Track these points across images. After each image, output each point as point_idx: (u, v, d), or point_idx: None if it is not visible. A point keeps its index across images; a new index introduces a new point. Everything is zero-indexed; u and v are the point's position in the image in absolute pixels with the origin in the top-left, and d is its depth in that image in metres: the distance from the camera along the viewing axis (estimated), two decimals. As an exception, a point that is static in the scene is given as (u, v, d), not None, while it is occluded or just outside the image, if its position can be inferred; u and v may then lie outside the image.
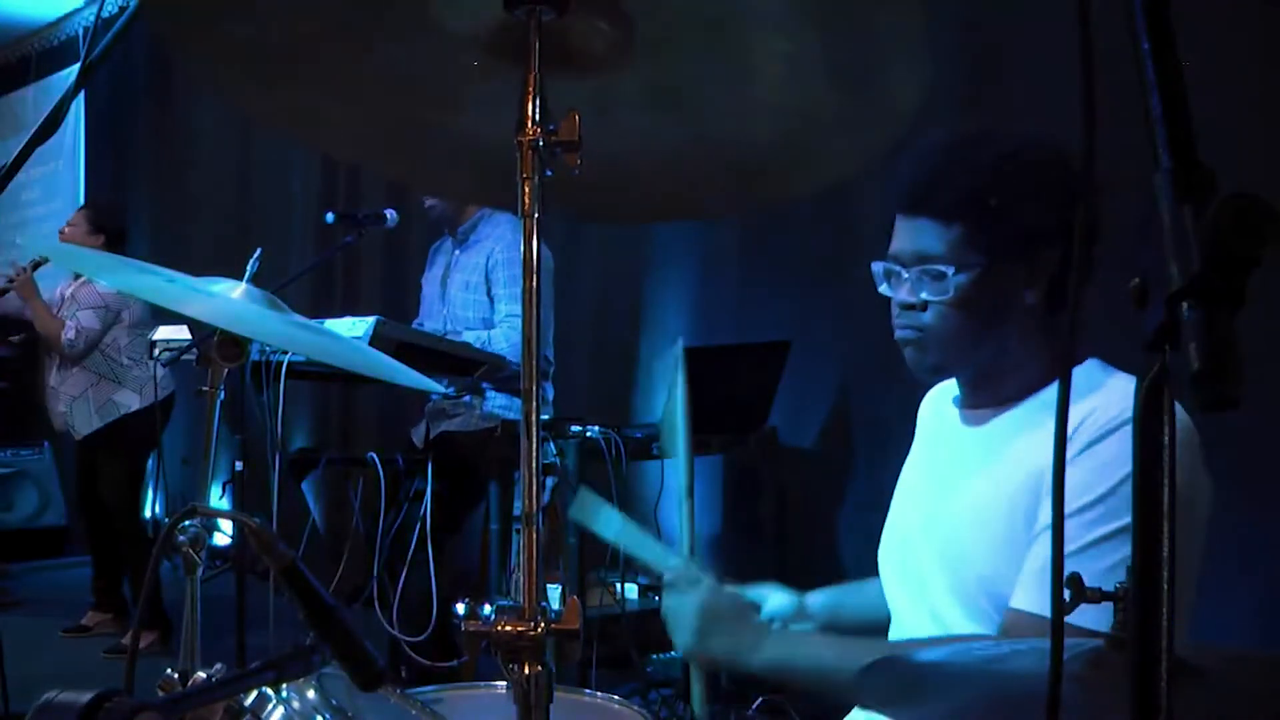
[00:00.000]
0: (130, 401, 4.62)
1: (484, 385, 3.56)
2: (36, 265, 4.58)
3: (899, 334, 1.45)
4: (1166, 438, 0.58)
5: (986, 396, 1.45)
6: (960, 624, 1.38)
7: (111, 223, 4.70)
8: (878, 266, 1.45)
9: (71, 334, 4.53)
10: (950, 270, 1.36)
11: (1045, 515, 1.31)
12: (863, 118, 1.04)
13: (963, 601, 1.38)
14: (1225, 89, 2.41)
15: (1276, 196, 0.57)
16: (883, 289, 1.46)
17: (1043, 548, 1.30)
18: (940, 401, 1.58)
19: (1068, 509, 1.25)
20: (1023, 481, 1.33)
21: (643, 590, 3.52)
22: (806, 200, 3.56)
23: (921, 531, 1.47)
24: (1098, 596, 1.01)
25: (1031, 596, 1.29)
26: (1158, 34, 0.60)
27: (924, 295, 1.39)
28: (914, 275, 1.40)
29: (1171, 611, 0.57)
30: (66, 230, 4.67)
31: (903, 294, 1.42)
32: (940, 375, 1.51)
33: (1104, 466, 1.26)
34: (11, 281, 4.62)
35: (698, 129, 1.08)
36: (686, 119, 1.07)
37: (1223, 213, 0.56)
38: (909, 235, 1.41)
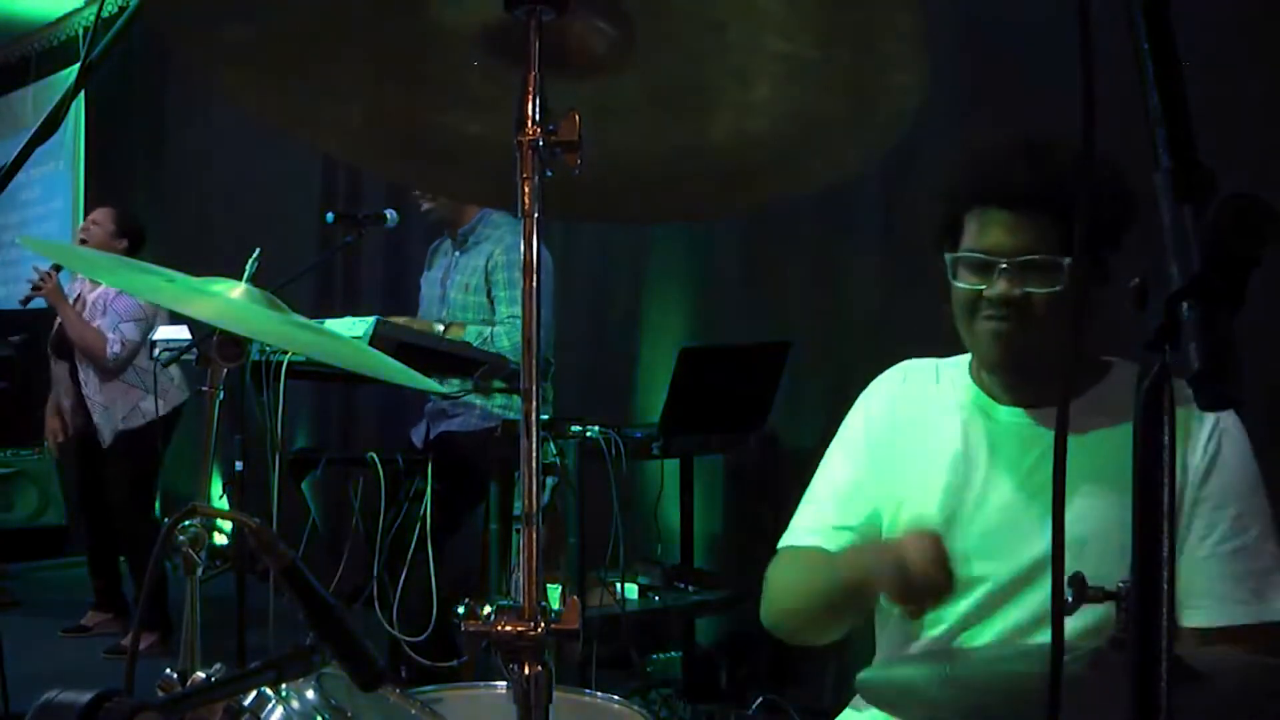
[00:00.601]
0: (151, 409, 4.59)
1: (490, 384, 3.56)
2: (59, 268, 4.46)
3: (998, 326, 1.43)
4: (1166, 438, 0.58)
5: (1048, 394, 1.46)
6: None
7: (135, 228, 4.67)
8: (952, 258, 1.45)
9: (117, 347, 4.47)
10: (1066, 261, 1.37)
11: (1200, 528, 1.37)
12: (862, 118, 1.04)
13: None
14: (1225, 89, 2.41)
15: (1276, 196, 0.57)
16: (961, 284, 1.45)
17: (1228, 563, 1.36)
18: (949, 384, 1.57)
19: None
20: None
21: (643, 590, 3.52)
22: (805, 199, 3.57)
23: (1015, 539, 1.45)
24: (1099, 596, 1.01)
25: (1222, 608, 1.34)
26: (1158, 34, 0.60)
27: (1029, 288, 1.40)
28: (1014, 268, 1.40)
29: (1172, 611, 0.57)
30: (91, 228, 4.61)
31: (1002, 286, 1.41)
32: (1022, 370, 1.49)
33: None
34: (38, 289, 4.50)
35: (697, 130, 1.08)
36: (686, 119, 1.07)
37: (1223, 213, 0.56)
38: (1010, 229, 1.41)
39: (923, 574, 1.31)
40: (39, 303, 4.68)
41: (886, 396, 1.62)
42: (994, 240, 1.42)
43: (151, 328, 4.53)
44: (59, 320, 4.62)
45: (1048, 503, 1.43)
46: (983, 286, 1.43)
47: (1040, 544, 1.43)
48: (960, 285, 1.46)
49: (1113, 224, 1.38)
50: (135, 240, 4.63)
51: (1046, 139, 1.45)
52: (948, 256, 1.46)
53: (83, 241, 4.61)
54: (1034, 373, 1.47)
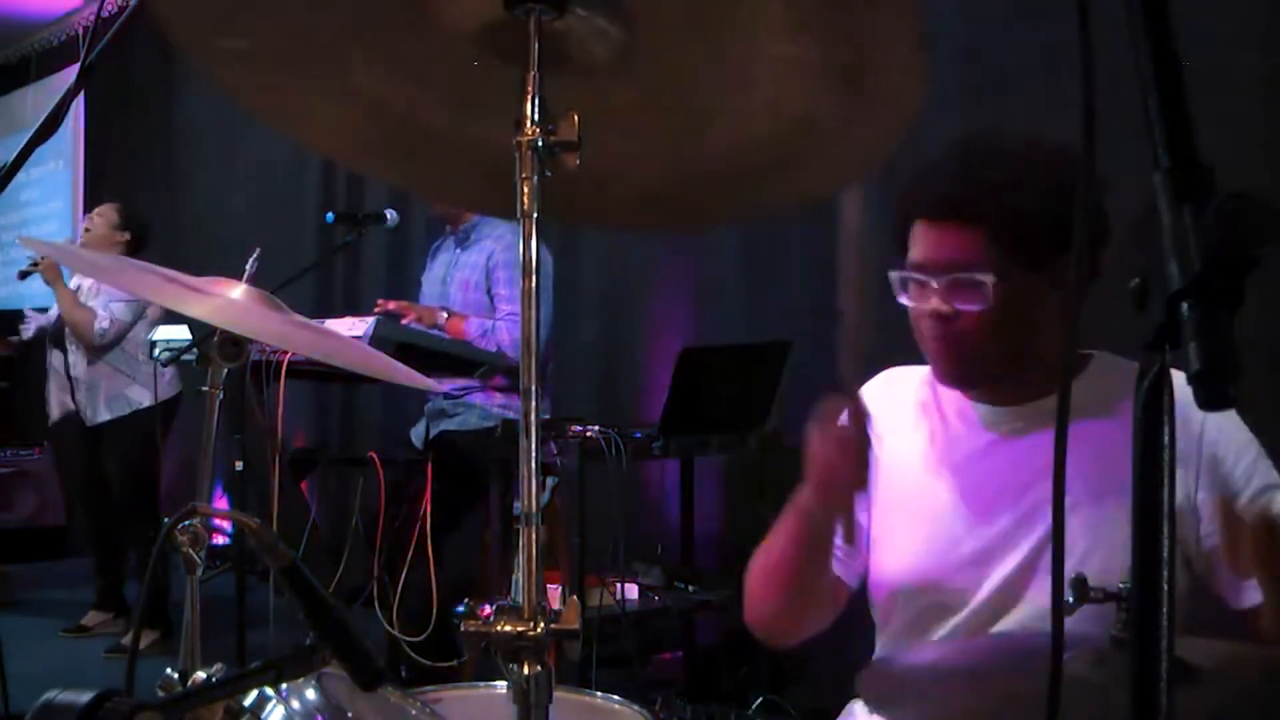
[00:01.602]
0: (142, 398, 4.60)
1: (490, 382, 3.56)
2: None
3: (932, 342, 1.43)
4: (1166, 438, 0.58)
5: (1008, 396, 1.46)
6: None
7: (138, 223, 4.69)
8: (895, 275, 1.43)
9: (105, 323, 4.49)
10: (990, 278, 1.35)
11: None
12: (861, 120, 1.04)
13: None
14: (1225, 88, 2.41)
15: (1276, 196, 0.57)
16: (903, 299, 1.44)
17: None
18: (931, 391, 1.56)
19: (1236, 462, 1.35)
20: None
21: (643, 590, 3.52)
22: (807, 205, 3.56)
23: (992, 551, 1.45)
24: (1101, 596, 1.01)
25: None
26: (1158, 34, 0.60)
27: (958, 304, 1.38)
28: (944, 284, 1.38)
29: (1172, 611, 0.57)
30: (95, 219, 4.64)
31: (933, 303, 1.40)
32: (969, 384, 1.48)
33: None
34: (35, 265, 4.54)
35: (696, 132, 1.07)
36: (685, 120, 1.07)
37: (1223, 213, 0.56)
38: (937, 243, 1.39)
39: (828, 459, 1.35)
40: (36, 294, 4.70)
41: (870, 402, 1.62)
42: (924, 255, 1.40)
43: (143, 313, 4.55)
44: (57, 311, 4.64)
45: (988, 498, 1.45)
46: (921, 304, 1.42)
47: (975, 543, 1.43)
48: (904, 303, 1.44)
49: (1057, 221, 1.33)
50: (138, 235, 4.65)
51: (979, 142, 1.42)
52: (891, 275, 1.44)
53: (86, 231, 4.65)
54: (984, 382, 1.47)
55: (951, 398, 1.53)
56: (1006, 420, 1.47)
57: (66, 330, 4.61)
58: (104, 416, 4.59)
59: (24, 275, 4.68)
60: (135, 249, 4.57)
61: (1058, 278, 1.37)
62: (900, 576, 1.51)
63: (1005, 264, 1.35)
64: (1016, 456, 1.45)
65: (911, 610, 1.50)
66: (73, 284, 4.63)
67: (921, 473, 1.52)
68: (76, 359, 4.60)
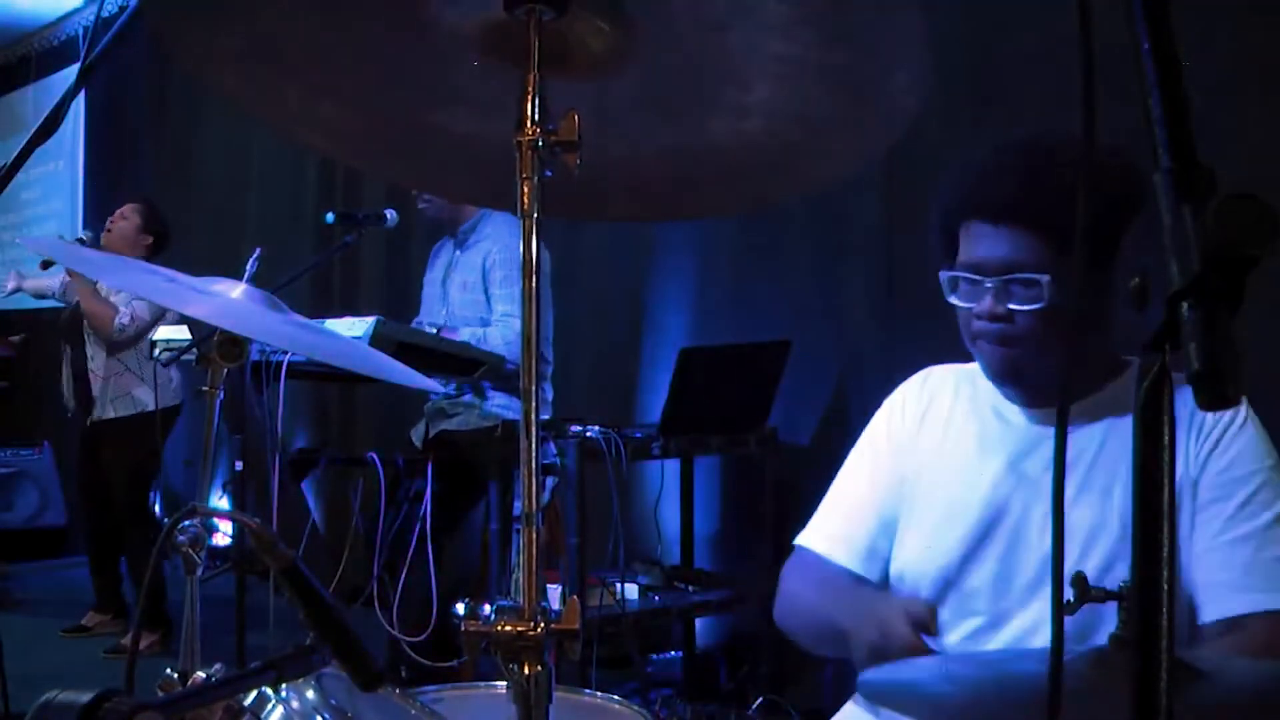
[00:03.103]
0: (148, 400, 4.59)
1: (484, 385, 3.56)
2: (83, 244, 4.41)
3: (987, 344, 1.44)
4: (1166, 438, 0.58)
5: (1050, 395, 1.46)
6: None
7: (162, 225, 4.67)
8: (945, 275, 1.44)
9: (126, 319, 4.48)
10: (1045, 279, 1.36)
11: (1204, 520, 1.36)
12: (861, 119, 1.04)
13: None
14: (1225, 88, 2.41)
15: (1276, 196, 0.57)
16: (954, 299, 1.44)
17: (1236, 551, 1.34)
18: (968, 390, 1.57)
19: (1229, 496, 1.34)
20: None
21: (643, 590, 3.52)
22: (805, 200, 3.57)
23: (1010, 539, 1.46)
24: (1101, 596, 1.01)
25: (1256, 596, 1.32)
26: (1158, 34, 0.60)
27: (1013, 305, 1.39)
28: (997, 284, 1.39)
29: (1172, 612, 0.57)
30: (120, 222, 4.61)
31: (986, 304, 1.41)
32: (1022, 382, 1.48)
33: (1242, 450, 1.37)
34: None
35: (696, 129, 1.08)
36: (685, 119, 1.07)
37: (1223, 213, 0.56)
38: (993, 243, 1.40)
39: (902, 646, 1.32)
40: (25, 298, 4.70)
41: (908, 401, 1.63)
42: (979, 255, 1.41)
43: (163, 315, 4.54)
44: (69, 305, 4.64)
45: (1026, 499, 1.45)
46: (973, 305, 1.43)
47: (1045, 546, 1.43)
48: (955, 303, 1.45)
49: (1112, 226, 1.35)
50: (160, 239, 4.64)
51: (1038, 145, 1.43)
52: (942, 275, 1.45)
53: (108, 232, 4.63)
54: (1036, 381, 1.47)
55: (989, 396, 1.54)
56: (1048, 419, 1.48)
57: (85, 324, 4.58)
58: (109, 414, 4.59)
59: (46, 265, 4.67)
60: (156, 252, 4.57)
61: (1108, 281, 1.38)
62: (935, 565, 1.52)
63: (1060, 265, 1.36)
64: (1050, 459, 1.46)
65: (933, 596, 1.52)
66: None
67: (964, 466, 1.53)
68: (95, 351, 4.59)
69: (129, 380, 4.59)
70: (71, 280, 4.55)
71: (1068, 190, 1.34)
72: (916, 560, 1.53)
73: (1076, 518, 1.41)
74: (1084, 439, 1.43)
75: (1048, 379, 1.45)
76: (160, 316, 4.54)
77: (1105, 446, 1.43)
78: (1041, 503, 1.45)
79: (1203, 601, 1.35)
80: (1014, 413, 1.51)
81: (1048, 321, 1.38)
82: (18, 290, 4.93)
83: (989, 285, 1.40)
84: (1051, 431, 1.47)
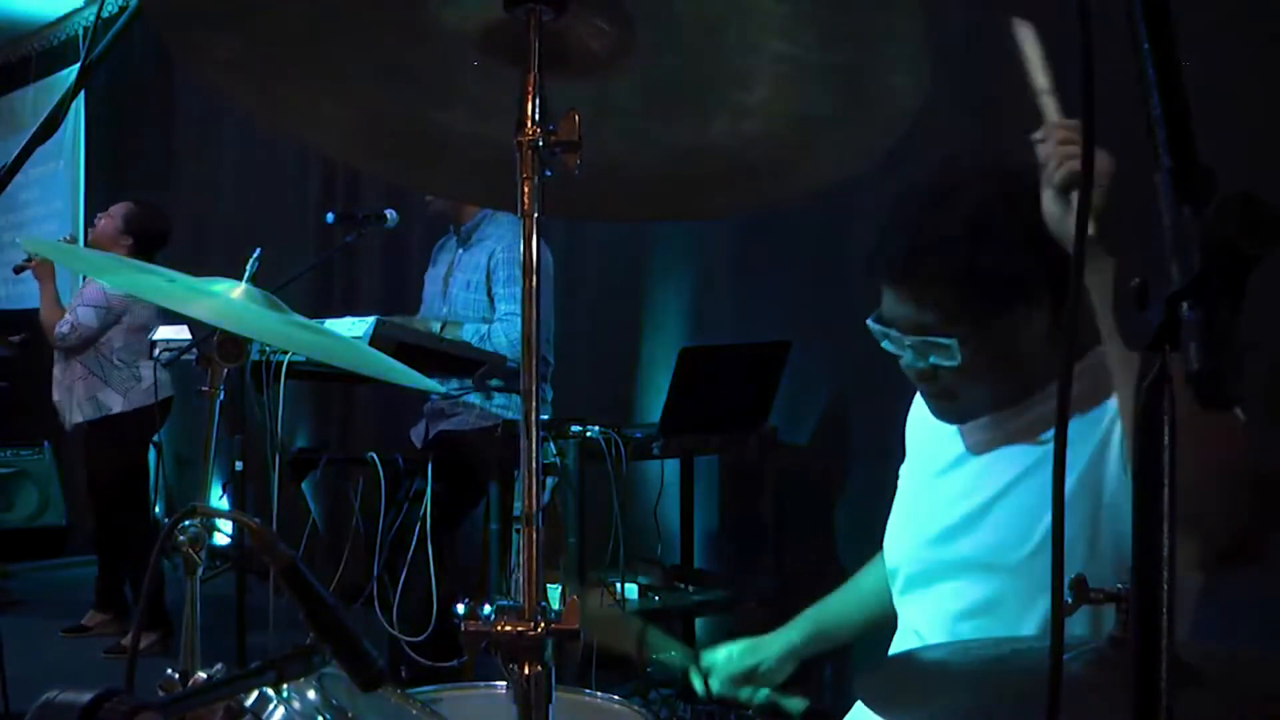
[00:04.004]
0: (113, 403, 4.62)
1: (489, 384, 3.56)
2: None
3: (920, 393, 1.46)
4: (1167, 438, 0.58)
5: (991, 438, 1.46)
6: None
7: (146, 228, 4.65)
8: (875, 327, 1.43)
9: (65, 328, 4.54)
10: (953, 342, 1.35)
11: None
12: (861, 119, 1.04)
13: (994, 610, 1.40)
14: (1225, 89, 2.41)
15: (1276, 196, 0.57)
16: (886, 345, 1.44)
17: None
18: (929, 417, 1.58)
19: None
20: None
21: (643, 590, 3.52)
22: (805, 201, 3.56)
23: (944, 546, 1.47)
24: (1100, 597, 1.01)
25: None
26: (1158, 34, 0.60)
27: (933, 361, 1.38)
28: (916, 343, 1.38)
29: (1172, 612, 0.57)
30: (104, 221, 4.64)
31: (908, 358, 1.41)
32: (963, 421, 1.48)
33: None
34: (30, 260, 4.60)
35: (696, 129, 1.08)
36: (685, 119, 1.07)
37: (1223, 213, 0.56)
38: (899, 305, 1.39)
39: None
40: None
41: (917, 404, 1.65)
42: (890, 312, 1.41)
43: (117, 320, 4.56)
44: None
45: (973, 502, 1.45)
46: (898, 353, 1.43)
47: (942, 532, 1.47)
48: (884, 347, 1.45)
49: (1009, 272, 1.32)
50: (143, 241, 4.60)
51: (920, 195, 1.41)
52: (869, 323, 1.45)
53: (92, 228, 4.68)
54: (972, 417, 1.46)
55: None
56: (974, 434, 1.48)
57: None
58: (78, 418, 4.65)
59: (19, 270, 4.75)
60: (138, 253, 4.55)
61: (1034, 305, 1.35)
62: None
63: (966, 318, 1.34)
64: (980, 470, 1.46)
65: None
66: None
67: (920, 483, 1.57)
68: (58, 356, 4.69)
69: (93, 384, 4.63)
70: (40, 285, 4.64)
71: (954, 242, 1.32)
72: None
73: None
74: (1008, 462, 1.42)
75: (985, 411, 1.44)
76: (112, 322, 4.57)
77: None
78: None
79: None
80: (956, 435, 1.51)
81: (970, 373, 1.37)
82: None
83: (908, 343, 1.40)
84: (983, 441, 1.46)
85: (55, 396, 4.70)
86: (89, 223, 4.98)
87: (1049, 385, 1.40)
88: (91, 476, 4.67)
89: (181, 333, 3.44)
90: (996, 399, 1.42)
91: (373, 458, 3.40)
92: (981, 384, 1.39)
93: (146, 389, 4.61)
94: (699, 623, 3.86)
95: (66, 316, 4.56)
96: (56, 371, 4.70)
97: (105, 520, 4.66)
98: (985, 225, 1.32)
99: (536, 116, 0.90)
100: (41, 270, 4.56)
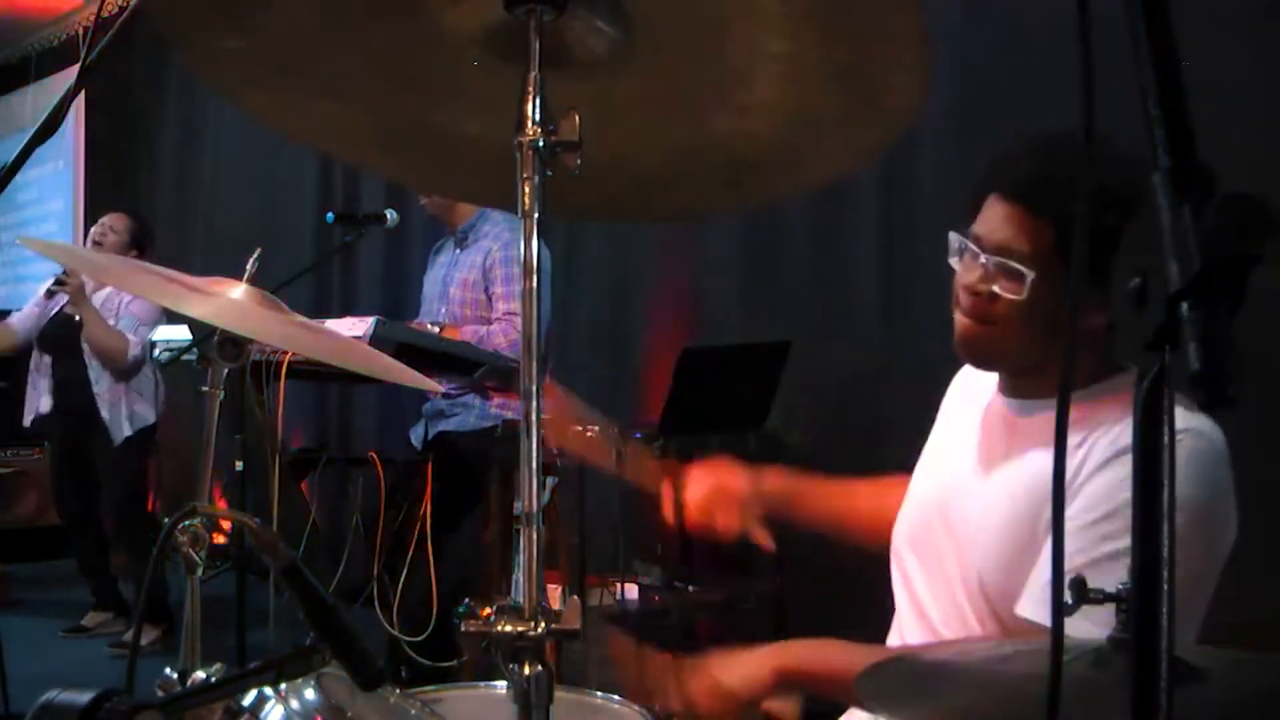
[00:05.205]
0: (149, 415, 4.63)
1: (486, 385, 3.57)
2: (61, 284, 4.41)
3: (961, 315, 1.44)
4: (1166, 438, 0.58)
5: (1031, 388, 1.46)
6: (964, 606, 1.41)
7: (145, 235, 4.66)
8: (955, 239, 1.43)
9: (138, 350, 4.46)
10: (1031, 275, 1.35)
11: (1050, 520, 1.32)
12: (861, 118, 1.04)
13: (967, 588, 1.41)
14: (1225, 89, 2.41)
15: (1276, 196, 0.57)
16: (953, 261, 1.44)
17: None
18: (976, 382, 1.58)
19: (1083, 520, 1.28)
20: (1036, 484, 1.34)
21: (643, 590, 3.52)
22: (806, 200, 3.57)
23: (943, 508, 1.49)
24: (1100, 599, 1.01)
25: (1038, 607, 1.30)
26: (1157, 34, 0.60)
27: (996, 288, 1.38)
28: (991, 263, 1.38)
29: (1172, 612, 0.57)
30: (109, 235, 4.59)
31: (973, 278, 1.40)
32: (985, 363, 1.49)
33: (1124, 480, 1.26)
34: (62, 284, 4.39)
35: (696, 129, 1.08)
36: (685, 119, 1.07)
37: (1223, 212, 0.56)
38: (998, 221, 1.39)
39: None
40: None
41: (954, 385, 1.66)
42: (983, 229, 1.41)
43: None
44: (50, 315, 4.61)
45: (1002, 488, 1.45)
46: (963, 274, 1.43)
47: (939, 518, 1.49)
48: (953, 264, 1.45)
49: (1111, 228, 1.35)
50: (143, 248, 4.63)
51: (1071, 138, 1.43)
52: (951, 236, 1.44)
53: (97, 245, 4.59)
54: (997, 364, 1.47)
55: (981, 386, 1.55)
56: (1021, 409, 1.47)
57: (84, 344, 4.49)
58: (126, 432, 4.56)
59: (50, 294, 4.59)
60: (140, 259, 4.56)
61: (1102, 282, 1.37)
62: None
63: (1055, 263, 1.34)
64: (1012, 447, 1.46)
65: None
66: (93, 299, 4.53)
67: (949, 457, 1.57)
68: (100, 375, 4.53)
69: (133, 398, 4.60)
70: (77, 310, 4.48)
71: (1098, 184, 1.34)
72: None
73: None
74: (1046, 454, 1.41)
75: (1006, 368, 1.46)
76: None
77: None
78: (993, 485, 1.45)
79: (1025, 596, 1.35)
80: (999, 403, 1.50)
81: (1022, 315, 1.37)
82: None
83: (982, 261, 1.40)
84: (1028, 422, 1.45)
85: (104, 414, 4.52)
86: (88, 224, 4.96)
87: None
88: (130, 489, 4.63)
89: (181, 333, 3.45)
90: (1024, 355, 1.42)
91: (372, 458, 3.41)
92: (1023, 331, 1.39)
93: (160, 397, 4.65)
94: (699, 623, 3.86)
95: (133, 339, 4.45)
96: (99, 389, 4.51)
97: (105, 522, 4.65)
98: (1128, 189, 1.33)
99: (537, 116, 0.90)
100: (76, 292, 4.36)
